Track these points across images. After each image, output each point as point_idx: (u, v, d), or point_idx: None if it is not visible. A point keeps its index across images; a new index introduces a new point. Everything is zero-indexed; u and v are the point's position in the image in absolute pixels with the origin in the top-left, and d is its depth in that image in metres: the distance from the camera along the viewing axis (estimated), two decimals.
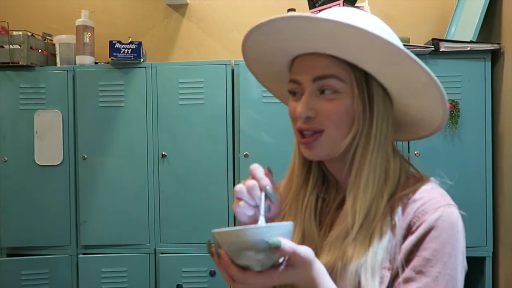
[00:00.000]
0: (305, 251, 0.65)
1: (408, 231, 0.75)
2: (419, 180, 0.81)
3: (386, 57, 0.72)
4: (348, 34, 0.70)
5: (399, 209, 0.77)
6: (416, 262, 0.73)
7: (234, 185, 2.22)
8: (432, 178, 0.83)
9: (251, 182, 0.74)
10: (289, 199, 0.87)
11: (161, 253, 2.26)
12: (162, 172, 2.27)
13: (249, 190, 0.73)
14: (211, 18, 2.67)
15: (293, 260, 0.65)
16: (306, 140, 0.80)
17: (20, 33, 2.29)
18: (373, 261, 0.73)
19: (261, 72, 0.91)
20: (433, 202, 0.76)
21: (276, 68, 0.87)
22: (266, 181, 0.74)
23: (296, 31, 0.75)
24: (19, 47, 2.26)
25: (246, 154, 2.19)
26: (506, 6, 2.04)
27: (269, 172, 0.77)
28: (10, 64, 2.26)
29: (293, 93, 0.82)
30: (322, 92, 0.77)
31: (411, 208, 0.76)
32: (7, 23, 2.36)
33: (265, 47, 0.82)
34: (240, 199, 0.74)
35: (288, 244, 0.63)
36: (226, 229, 0.65)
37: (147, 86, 2.27)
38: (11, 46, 2.26)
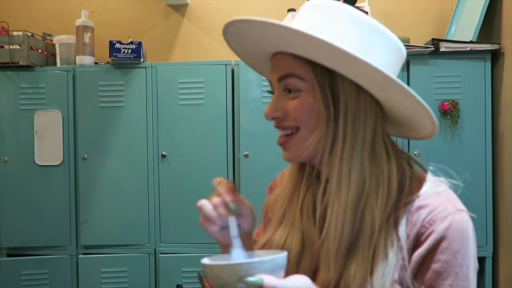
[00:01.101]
0: (297, 285, 0.60)
1: (416, 242, 0.71)
2: (423, 182, 0.75)
3: (331, 56, 0.68)
4: (287, 34, 0.69)
5: (404, 219, 0.72)
6: (427, 275, 0.69)
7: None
8: (440, 179, 0.77)
9: (215, 200, 0.74)
10: (285, 199, 0.84)
11: (161, 253, 2.26)
12: (162, 172, 2.27)
13: (214, 207, 0.74)
14: (211, 18, 2.67)
15: None
16: (281, 142, 0.78)
17: (20, 33, 2.29)
18: (381, 284, 0.69)
19: (259, 68, 0.89)
20: (441, 209, 0.71)
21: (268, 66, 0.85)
22: (228, 198, 0.74)
23: (255, 33, 0.74)
24: (19, 47, 2.26)
25: (246, 154, 2.19)
26: (506, 6, 2.04)
27: (232, 187, 0.75)
28: (10, 64, 2.26)
29: (271, 93, 0.80)
30: (289, 91, 0.76)
31: (418, 217, 0.71)
32: (7, 23, 2.36)
33: (246, 49, 0.82)
34: (205, 216, 0.75)
35: (272, 282, 0.58)
36: (210, 262, 0.63)
37: (147, 86, 2.27)
38: (11, 46, 2.26)
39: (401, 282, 0.70)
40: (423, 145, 2.08)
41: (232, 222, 0.73)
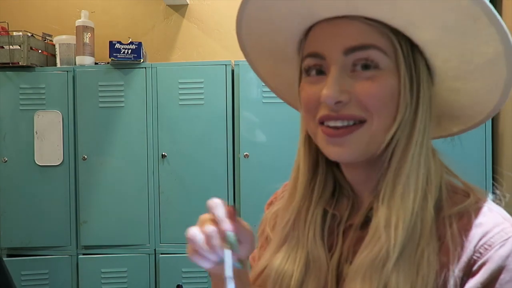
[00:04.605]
0: None
1: (467, 270, 0.56)
2: (467, 193, 0.63)
3: (454, 18, 0.53)
4: None
5: (455, 231, 0.57)
6: None
7: (234, 185, 2.23)
8: (482, 191, 0.64)
9: (209, 228, 0.58)
10: (291, 214, 0.67)
11: (161, 254, 2.26)
12: (162, 173, 2.27)
13: (207, 239, 0.58)
14: (211, 18, 2.67)
15: None
16: (335, 132, 0.58)
17: (20, 33, 2.29)
18: None
19: (261, 64, 0.72)
20: (499, 231, 0.56)
21: (280, 49, 0.66)
22: (227, 225, 0.58)
23: None
24: (19, 47, 2.26)
25: (246, 154, 2.19)
26: (506, 6, 2.04)
27: (233, 211, 0.59)
28: (10, 64, 2.26)
29: (310, 71, 0.61)
30: (355, 68, 0.57)
31: (470, 240, 0.56)
32: (7, 23, 2.36)
33: (269, 13, 0.61)
34: (194, 248, 0.58)
35: None
36: None
37: (147, 86, 2.27)
38: (11, 47, 2.26)
39: None
40: None
41: (228, 257, 0.56)
